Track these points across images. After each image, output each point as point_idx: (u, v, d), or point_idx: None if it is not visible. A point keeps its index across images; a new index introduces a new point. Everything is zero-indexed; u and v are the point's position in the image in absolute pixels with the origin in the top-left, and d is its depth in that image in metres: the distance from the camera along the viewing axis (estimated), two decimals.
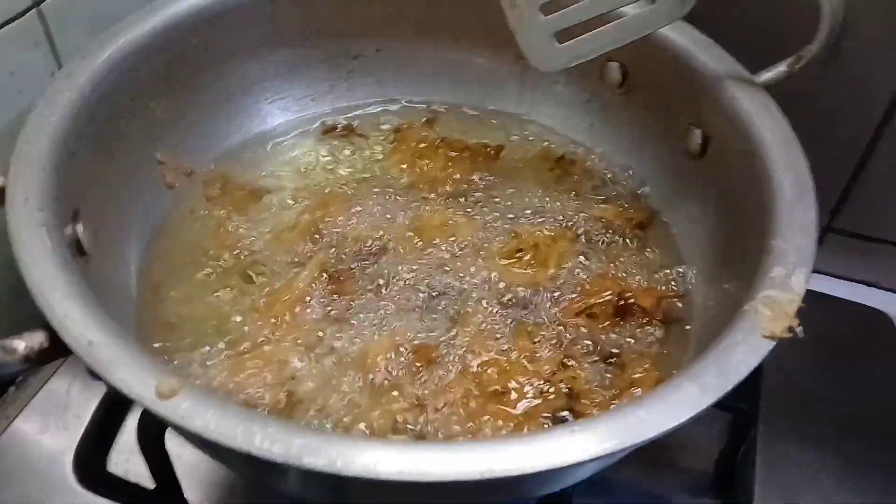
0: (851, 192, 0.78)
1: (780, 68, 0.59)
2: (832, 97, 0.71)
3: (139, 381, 0.40)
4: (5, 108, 0.62)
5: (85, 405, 0.67)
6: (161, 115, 0.64)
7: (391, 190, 0.68)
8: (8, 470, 0.63)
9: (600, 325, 0.58)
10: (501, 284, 0.61)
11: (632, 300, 0.59)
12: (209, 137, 0.69)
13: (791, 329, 0.44)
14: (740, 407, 0.68)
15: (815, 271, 0.81)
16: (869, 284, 0.84)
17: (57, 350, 0.43)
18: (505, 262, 0.63)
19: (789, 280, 0.47)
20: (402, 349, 0.56)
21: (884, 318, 0.78)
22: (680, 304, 0.60)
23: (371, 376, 0.54)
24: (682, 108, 0.64)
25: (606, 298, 0.59)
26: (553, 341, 0.57)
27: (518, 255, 0.63)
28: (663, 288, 0.61)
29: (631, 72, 0.68)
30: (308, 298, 0.59)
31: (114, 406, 0.66)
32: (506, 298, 0.60)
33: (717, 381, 0.42)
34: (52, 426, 0.66)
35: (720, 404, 0.42)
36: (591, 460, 0.39)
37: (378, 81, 0.76)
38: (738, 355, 0.43)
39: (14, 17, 0.61)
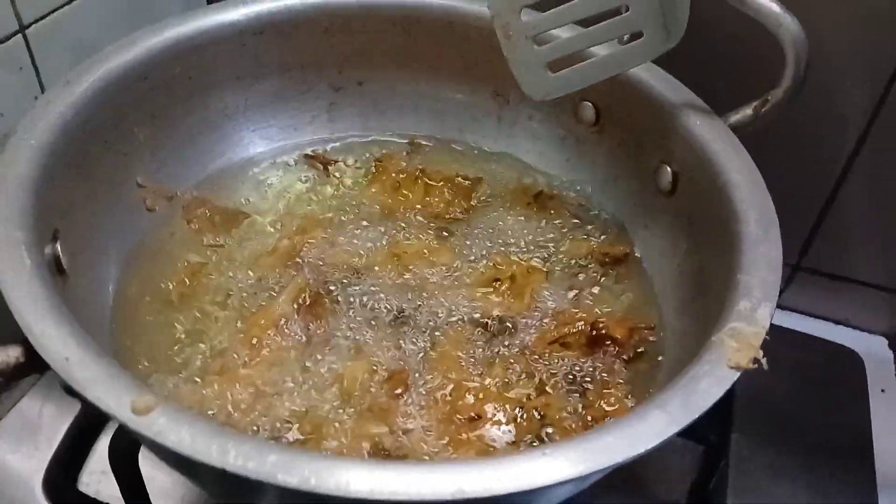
0: (819, 232, 0.79)
1: (747, 111, 0.61)
2: (800, 137, 0.73)
3: (115, 397, 0.40)
4: None
5: (56, 426, 0.67)
6: (143, 141, 0.65)
7: (370, 218, 0.69)
8: None
9: (573, 355, 0.59)
10: (477, 312, 0.62)
11: (604, 330, 0.59)
12: (191, 163, 0.70)
13: (756, 360, 0.45)
14: (710, 439, 0.69)
15: (786, 308, 0.84)
16: (838, 322, 0.86)
17: (33, 365, 0.43)
18: (481, 290, 0.63)
19: (755, 313, 0.47)
20: (377, 374, 0.57)
21: (852, 356, 0.80)
22: (651, 336, 0.60)
23: (346, 399, 0.55)
24: (652, 146, 0.66)
25: (579, 328, 0.60)
26: (526, 369, 0.58)
27: (494, 284, 0.64)
28: (636, 320, 0.62)
29: (604, 111, 0.70)
30: (285, 322, 0.59)
31: (86, 427, 0.66)
32: (481, 326, 0.61)
33: (683, 410, 0.42)
34: (23, 447, 0.65)
35: (691, 435, 0.43)
36: (561, 483, 0.39)
37: (360, 113, 0.77)
38: (705, 385, 0.44)
39: None
